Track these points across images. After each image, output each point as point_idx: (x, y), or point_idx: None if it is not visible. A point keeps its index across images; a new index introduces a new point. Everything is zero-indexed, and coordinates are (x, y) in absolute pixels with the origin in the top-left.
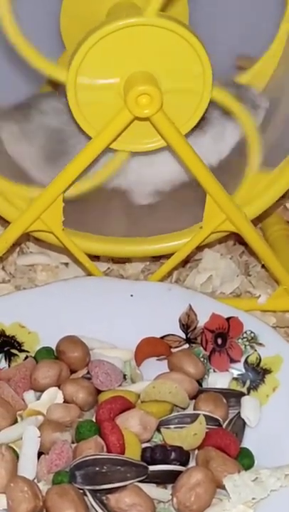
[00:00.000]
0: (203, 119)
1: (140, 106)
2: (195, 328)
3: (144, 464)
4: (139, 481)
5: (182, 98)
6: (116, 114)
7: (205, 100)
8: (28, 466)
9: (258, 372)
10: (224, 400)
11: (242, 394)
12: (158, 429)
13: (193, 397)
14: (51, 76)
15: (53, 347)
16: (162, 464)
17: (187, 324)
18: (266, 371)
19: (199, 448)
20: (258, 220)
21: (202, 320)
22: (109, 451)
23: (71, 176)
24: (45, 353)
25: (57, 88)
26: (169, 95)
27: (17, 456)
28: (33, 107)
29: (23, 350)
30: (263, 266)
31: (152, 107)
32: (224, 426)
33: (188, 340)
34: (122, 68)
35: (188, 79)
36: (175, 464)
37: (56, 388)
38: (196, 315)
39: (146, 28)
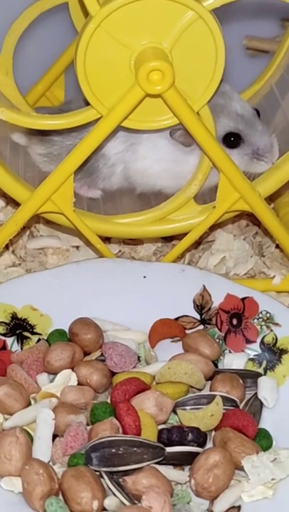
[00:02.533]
0: None
1: (152, 82)
2: (209, 309)
3: (161, 446)
4: (156, 463)
5: (194, 75)
6: (127, 91)
7: (217, 76)
8: (43, 449)
9: (275, 353)
10: (241, 381)
11: (258, 374)
12: (174, 411)
13: (209, 378)
14: None
15: (66, 329)
16: (179, 445)
17: (201, 305)
18: (283, 351)
19: (216, 429)
20: (270, 200)
21: (217, 301)
22: (125, 432)
23: (82, 156)
24: (58, 336)
25: None
26: (180, 72)
27: (31, 439)
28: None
29: (36, 333)
30: (277, 246)
31: (164, 84)
32: (241, 407)
33: (202, 321)
34: (133, 44)
35: (201, 55)
36: (192, 445)
37: (70, 370)
38: (210, 296)
39: (157, 2)
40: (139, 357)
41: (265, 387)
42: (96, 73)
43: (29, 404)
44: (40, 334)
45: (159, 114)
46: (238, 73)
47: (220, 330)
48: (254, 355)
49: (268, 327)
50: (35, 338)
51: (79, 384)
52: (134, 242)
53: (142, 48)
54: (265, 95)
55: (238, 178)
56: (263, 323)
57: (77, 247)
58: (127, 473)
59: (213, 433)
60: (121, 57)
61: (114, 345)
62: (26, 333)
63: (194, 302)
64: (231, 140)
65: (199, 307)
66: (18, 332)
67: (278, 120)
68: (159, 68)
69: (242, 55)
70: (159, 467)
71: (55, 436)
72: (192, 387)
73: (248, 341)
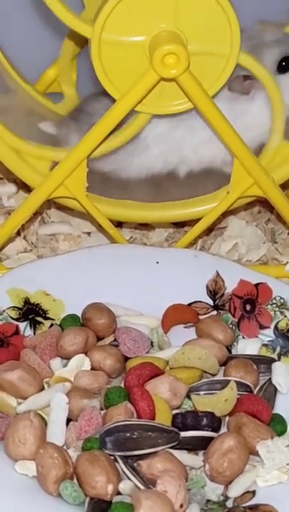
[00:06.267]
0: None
1: (167, 66)
2: (223, 294)
3: (176, 430)
4: (171, 447)
5: (209, 60)
6: (142, 75)
7: (232, 63)
8: (57, 433)
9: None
10: (254, 366)
11: (272, 360)
12: (188, 396)
13: (223, 364)
14: (76, 30)
15: (79, 314)
16: (194, 430)
17: (215, 291)
18: None
19: (230, 414)
20: (283, 188)
21: (230, 286)
22: (139, 417)
23: (95, 140)
24: (71, 321)
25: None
26: (195, 57)
27: (45, 424)
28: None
29: (48, 318)
30: None
31: (179, 67)
32: (255, 392)
33: (216, 307)
34: (149, 26)
35: (216, 41)
36: (207, 430)
37: (83, 355)
38: (223, 281)
39: None
40: (152, 342)
41: (279, 373)
42: (110, 56)
43: (42, 388)
44: (52, 319)
45: (173, 98)
46: None
47: (233, 316)
48: (268, 341)
49: (281, 313)
50: (47, 323)
51: (92, 369)
52: (146, 228)
53: (158, 31)
54: None
55: (251, 163)
56: (277, 308)
57: (89, 233)
58: (141, 457)
59: (227, 418)
60: (136, 40)
61: (128, 330)
62: (39, 318)
63: (207, 288)
64: (283, 65)
65: (212, 293)
66: (30, 317)
67: None
68: (174, 52)
69: None
70: (174, 452)
71: (69, 421)
72: (206, 372)
73: (262, 327)
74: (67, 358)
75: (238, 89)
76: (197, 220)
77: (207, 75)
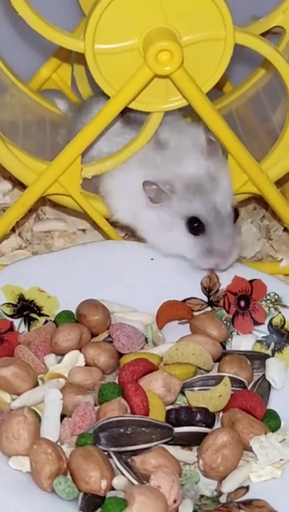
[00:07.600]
0: None
1: (160, 63)
2: (217, 291)
3: (169, 426)
4: (165, 443)
5: (207, 47)
6: (135, 71)
7: (230, 43)
8: (51, 429)
9: (283, 335)
10: (249, 362)
11: (266, 356)
12: (182, 392)
13: (217, 360)
14: (68, 47)
15: (73, 311)
16: (187, 425)
17: (209, 287)
18: None
19: (224, 410)
20: (278, 184)
21: (224, 283)
22: (133, 412)
23: (89, 137)
24: (66, 317)
25: None
26: (194, 47)
27: (39, 419)
28: None
29: (43, 315)
30: (284, 229)
31: (173, 64)
32: (249, 388)
33: (210, 304)
34: (139, 27)
35: (209, 26)
36: (200, 426)
37: (77, 351)
38: (218, 278)
39: None
40: (146, 338)
41: (273, 369)
42: (106, 61)
43: (37, 384)
44: (47, 316)
45: (167, 95)
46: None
47: (228, 312)
48: (262, 337)
49: (275, 309)
50: (42, 319)
51: (86, 365)
52: None
53: (149, 30)
54: (251, 98)
55: (246, 160)
56: (271, 305)
57: (84, 230)
58: (135, 453)
59: (221, 414)
60: (129, 43)
61: (122, 326)
62: (33, 315)
63: (202, 284)
64: (194, 225)
65: (207, 289)
66: (25, 313)
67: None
68: (168, 48)
69: None
70: (168, 447)
71: (62, 417)
72: (200, 368)
73: (256, 323)
74: (61, 354)
75: (150, 195)
76: None
77: (208, 62)
